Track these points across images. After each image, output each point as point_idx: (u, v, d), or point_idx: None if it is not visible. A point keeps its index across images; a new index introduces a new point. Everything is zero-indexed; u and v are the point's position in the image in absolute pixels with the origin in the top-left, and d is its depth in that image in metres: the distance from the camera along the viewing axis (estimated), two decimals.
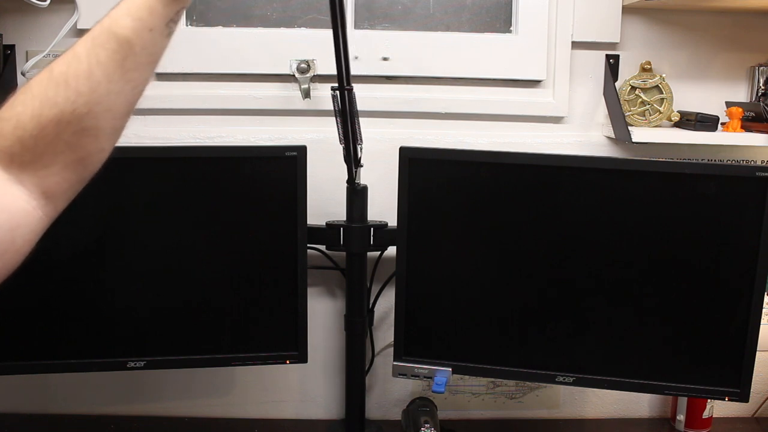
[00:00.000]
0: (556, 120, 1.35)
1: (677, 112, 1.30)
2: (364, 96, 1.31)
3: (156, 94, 1.32)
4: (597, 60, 1.33)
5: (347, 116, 1.11)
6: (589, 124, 1.36)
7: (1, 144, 0.64)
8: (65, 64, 0.65)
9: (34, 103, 0.64)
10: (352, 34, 1.33)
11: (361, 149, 1.18)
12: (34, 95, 0.65)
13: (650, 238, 1.10)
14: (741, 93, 1.36)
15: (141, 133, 1.31)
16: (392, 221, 1.20)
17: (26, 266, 0.93)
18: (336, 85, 1.10)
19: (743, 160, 1.34)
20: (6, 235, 0.63)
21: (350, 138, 1.13)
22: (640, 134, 1.24)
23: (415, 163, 1.13)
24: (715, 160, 1.33)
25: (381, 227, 1.25)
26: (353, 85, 1.12)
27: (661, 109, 1.30)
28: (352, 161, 1.16)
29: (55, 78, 0.65)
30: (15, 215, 0.64)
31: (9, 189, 0.64)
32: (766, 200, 1.05)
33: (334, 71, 1.25)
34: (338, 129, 1.15)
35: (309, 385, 1.39)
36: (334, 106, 1.13)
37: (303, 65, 1.28)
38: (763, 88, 1.32)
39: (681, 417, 1.33)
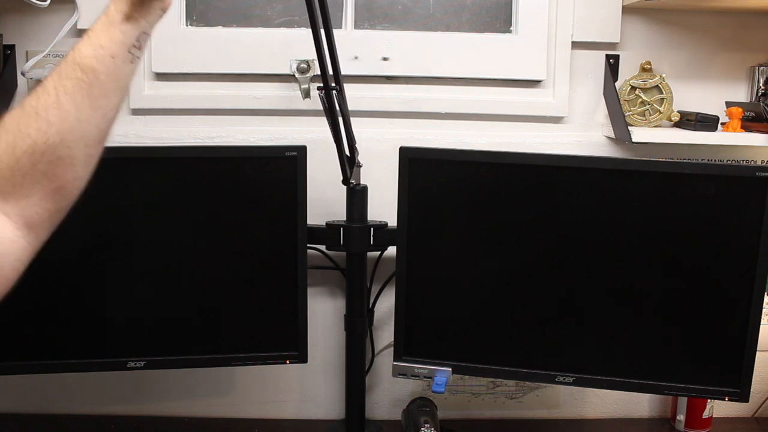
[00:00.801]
0: (556, 120, 1.35)
1: (677, 112, 1.30)
2: (364, 96, 1.31)
3: (156, 94, 1.32)
4: (597, 60, 1.33)
5: (335, 116, 1.11)
6: (589, 124, 1.36)
7: None
8: (35, 98, 0.68)
9: (8, 137, 0.66)
10: (352, 34, 1.33)
11: (356, 149, 1.18)
12: (7, 129, 0.67)
13: (650, 238, 1.10)
14: (741, 93, 1.36)
15: (141, 133, 1.31)
16: (392, 221, 1.20)
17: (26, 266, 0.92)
18: (321, 84, 1.10)
19: (743, 160, 1.34)
20: None
21: (340, 138, 1.13)
22: (640, 134, 1.24)
23: (415, 163, 1.13)
24: (715, 160, 1.33)
25: (381, 227, 1.25)
26: (350, 85, 1.12)
27: (661, 109, 1.30)
28: (345, 162, 1.16)
29: (27, 111, 0.67)
30: (3, 243, 0.67)
31: None
32: (766, 200, 1.05)
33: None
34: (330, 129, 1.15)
35: (309, 385, 1.39)
36: (322, 106, 1.13)
37: (303, 65, 1.28)
38: (763, 88, 1.32)
39: (681, 417, 1.33)
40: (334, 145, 1.18)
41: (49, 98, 0.67)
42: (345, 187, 1.22)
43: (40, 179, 0.68)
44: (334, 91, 1.06)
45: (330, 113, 1.09)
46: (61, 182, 0.70)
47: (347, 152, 1.15)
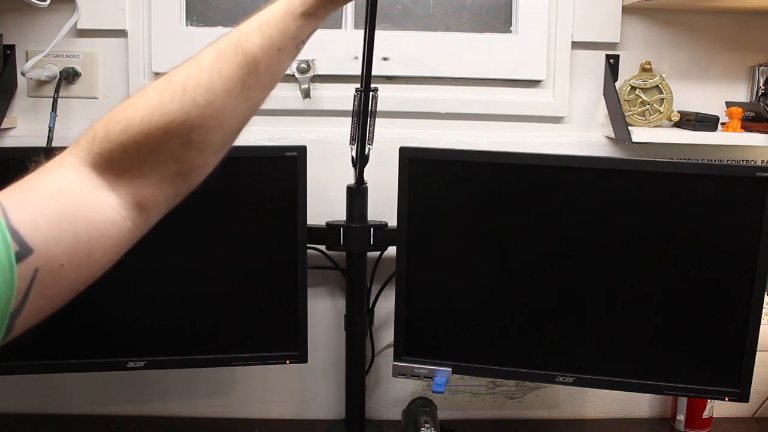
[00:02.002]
0: (556, 120, 1.35)
1: (677, 112, 1.30)
2: None
3: None
4: (597, 60, 1.33)
5: (367, 117, 1.12)
6: (589, 124, 1.36)
7: (104, 147, 0.61)
8: (185, 72, 0.63)
9: (146, 108, 0.61)
10: (352, 34, 1.33)
11: (370, 150, 1.18)
12: (147, 99, 0.61)
13: (650, 238, 1.10)
14: (741, 93, 1.36)
15: None
16: (392, 221, 1.20)
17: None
18: (359, 86, 1.10)
19: (743, 160, 1.34)
20: (83, 247, 0.58)
21: (364, 140, 1.14)
22: (640, 134, 1.24)
23: (415, 163, 1.13)
24: (715, 160, 1.33)
25: (381, 227, 1.25)
26: (350, 85, 1.12)
27: (661, 109, 1.30)
28: (363, 162, 1.16)
29: (173, 85, 0.62)
30: (99, 226, 0.60)
31: (98, 196, 0.60)
32: (766, 200, 1.05)
33: (334, 71, 1.25)
34: (352, 129, 1.15)
35: (309, 385, 1.39)
36: (353, 107, 1.14)
37: (303, 65, 1.28)
38: (763, 88, 1.32)
39: (681, 417, 1.33)
40: (335, 145, 1.18)
41: (201, 77, 0.62)
42: (345, 187, 1.22)
43: (166, 159, 0.62)
44: (371, 93, 1.07)
45: (363, 115, 1.10)
46: (187, 167, 0.64)
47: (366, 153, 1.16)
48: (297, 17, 0.65)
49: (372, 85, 1.09)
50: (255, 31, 0.64)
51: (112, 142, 0.60)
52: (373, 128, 1.16)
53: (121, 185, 0.61)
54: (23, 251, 0.53)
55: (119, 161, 0.61)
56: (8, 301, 0.53)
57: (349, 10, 1.33)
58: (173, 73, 0.63)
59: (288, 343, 1.20)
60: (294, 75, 1.28)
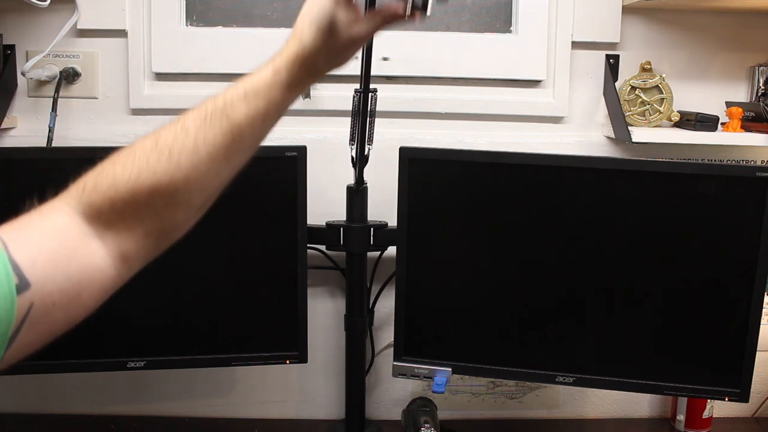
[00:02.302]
0: (556, 120, 1.35)
1: (677, 112, 1.30)
2: None
3: (156, 94, 1.32)
4: (597, 60, 1.33)
5: (367, 117, 1.12)
6: (589, 124, 1.36)
7: (93, 199, 0.64)
8: (172, 135, 0.65)
9: (133, 168, 0.64)
10: None
11: (369, 150, 1.18)
12: (135, 158, 0.65)
13: (650, 238, 1.10)
14: (741, 93, 1.36)
15: (141, 133, 1.30)
16: (392, 221, 1.20)
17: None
18: (358, 86, 1.10)
19: (743, 160, 1.33)
20: (73, 289, 0.62)
21: (364, 140, 1.14)
22: (640, 134, 1.24)
23: (415, 163, 1.13)
24: (715, 160, 1.33)
25: (381, 227, 1.25)
26: (350, 85, 1.12)
27: (661, 109, 1.30)
28: (363, 162, 1.16)
29: (160, 146, 0.65)
30: (88, 270, 0.63)
31: (88, 243, 0.64)
32: (766, 200, 1.05)
33: (333, 71, 1.25)
34: (352, 129, 1.15)
35: (309, 385, 1.39)
36: (352, 107, 1.13)
37: None
38: (763, 88, 1.32)
39: (681, 417, 1.33)
40: (335, 145, 1.18)
41: (186, 141, 0.65)
42: (345, 187, 1.22)
43: (150, 216, 0.66)
44: (370, 94, 1.07)
45: (362, 115, 1.10)
46: (169, 224, 0.68)
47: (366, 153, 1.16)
48: (283, 89, 0.67)
49: (372, 86, 1.08)
50: (241, 100, 0.66)
51: (100, 195, 0.64)
52: (373, 128, 1.16)
53: (108, 236, 0.65)
54: (22, 284, 0.56)
55: (107, 214, 0.64)
56: (7, 328, 0.55)
57: None
58: (161, 134, 0.66)
59: (288, 343, 1.20)
60: None
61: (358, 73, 1.30)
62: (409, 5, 0.67)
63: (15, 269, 0.56)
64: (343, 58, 0.71)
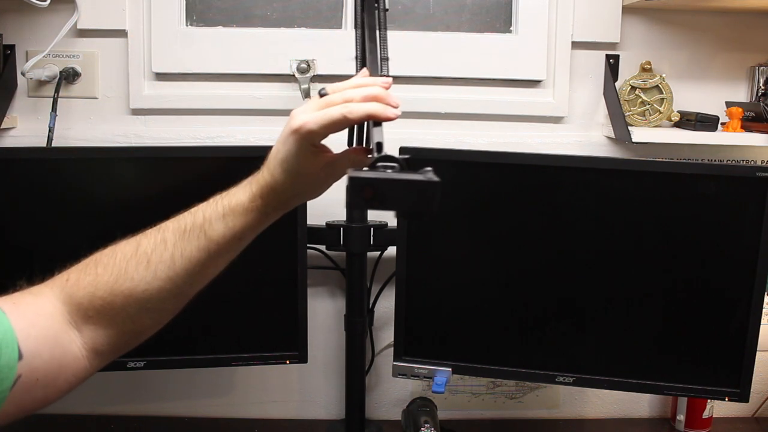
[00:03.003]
0: (556, 120, 1.35)
1: (677, 112, 1.30)
2: None
3: (156, 94, 1.32)
4: (597, 60, 1.33)
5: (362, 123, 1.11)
6: (589, 124, 1.36)
7: (74, 293, 0.68)
8: (152, 245, 0.69)
9: (113, 271, 0.68)
10: (352, 34, 1.33)
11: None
12: (116, 262, 0.69)
13: (650, 238, 1.10)
14: (741, 93, 1.36)
15: (141, 133, 1.31)
16: (392, 221, 1.20)
17: (26, 266, 0.93)
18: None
19: (743, 160, 1.33)
20: (54, 370, 0.66)
21: (360, 144, 1.13)
22: (640, 134, 1.24)
23: (415, 163, 1.13)
24: (715, 160, 1.33)
25: (381, 227, 1.25)
26: None
27: (661, 109, 1.30)
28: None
29: (139, 255, 0.68)
30: (67, 355, 0.68)
31: (69, 331, 0.68)
32: (766, 200, 1.05)
33: (334, 71, 1.25)
34: (349, 137, 1.15)
35: (309, 385, 1.39)
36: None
37: (303, 65, 1.28)
38: (763, 88, 1.32)
39: (681, 417, 1.33)
40: (335, 145, 1.16)
41: (164, 253, 0.68)
42: (345, 187, 1.21)
43: (125, 320, 0.69)
44: None
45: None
46: (141, 327, 0.71)
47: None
48: (259, 214, 0.69)
49: None
50: (219, 220, 0.69)
51: (81, 291, 0.68)
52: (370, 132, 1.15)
53: (85, 329, 0.69)
54: (18, 354, 0.60)
55: (86, 309, 0.68)
56: (6, 386, 0.59)
57: (348, 10, 1.33)
58: (141, 241, 0.69)
59: (288, 343, 1.20)
60: (294, 75, 1.28)
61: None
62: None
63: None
64: (314, 194, 0.73)
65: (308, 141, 0.66)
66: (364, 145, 0.80)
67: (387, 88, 0.68)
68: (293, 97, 1.31)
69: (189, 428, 1.35)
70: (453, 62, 1.33)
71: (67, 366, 0.68)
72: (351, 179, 0.53)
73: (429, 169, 0.54)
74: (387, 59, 1.27)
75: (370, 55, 0.76)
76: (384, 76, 0.74)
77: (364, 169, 0.56)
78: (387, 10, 0.91)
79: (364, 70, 0.73)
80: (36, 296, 0.69)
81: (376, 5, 0.89)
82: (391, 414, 1.40)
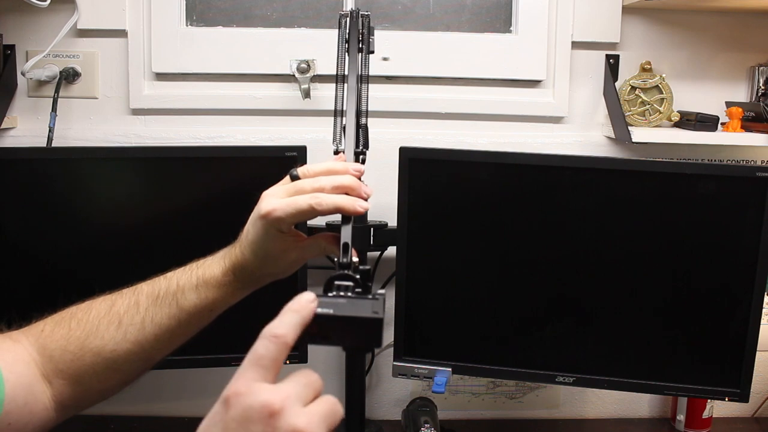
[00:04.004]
0: (556, 120, 1.35)
1: (677, 112, 1.30)
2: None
3: (156, 94, 1.32)
4: (597, 60, 1.33)
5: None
6: (589, 124, 1.36)
7: (48, 344, 0.69)
8: (125, 306, 0.69)
9: (85, 328, 0.69)
10: None
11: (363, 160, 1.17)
12: (89, 320, 0.69)
13: (650, 238, 1.10)
14: (741, 93, 1.36)
15: (141, 133, 1.31)
16: (392, 221, 1.20)
17: (25, 266, 0.93)
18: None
19: (743, 160, 1.34)
20: (26, 417, 0.66)
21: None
22: (640, 134, 1.24)
23: (415, 163, 1.13)
24: (715, 160, 1.33)
25: (381, 227, 1.25)
26: None
27: (661, 109, 1.30)
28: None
29: (112, 314, 0.69)
30: (38, 404, 0.68)
31: (41, 381, 0.69)
32: (766, 200, 1.05)
33: (333, 71, 1.25)
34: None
35: None
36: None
37: (303, 65, 1.28)
38: (763, 88, 1.32)
39: (681, 417, 1.33)
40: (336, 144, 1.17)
41: (136, 316, 0.69)
42: None
43: (92, 377, 0.70)
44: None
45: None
46: (107, 386, 0.72)
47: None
48: (232, 287, 0.70)
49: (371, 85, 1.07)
50: (192, 290, 0.69)
51: (53, 343, 0.69)
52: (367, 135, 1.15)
53: (54, 381, 0.70)
54: (3, 395, 0.62)
55: (56, 362, 0.69)
56: None
57: (349, 9, 1.33)
58: (116, 301, 0.70)
59: None
60: (294, 75, 1.28)
61: (358, 73, 1.30)
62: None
63: None
64: (285, 274, 0.73)
65: (275, 227, 0.66)
66: (363, 146, 0.79)
67: (359, 177, 0.67)
68: (293, 97, 1.31)
69: (189, 428, 1.33)
70: (453, 62, 1.33)
71: (37, 415, 0.68)
72: None
73: (382, 292, 0.54)
74: (387, 59, 1.26)
75: (348, 123, 0.75)
76: (360, 152, 0.73)
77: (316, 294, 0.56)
78: (372, 52, 0.90)
79: (341, 154, 0.72)
80: (14, 342, 0.69)
81: (360, 47, 0.88)
82: (391, 414, 1.39)
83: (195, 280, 0.69)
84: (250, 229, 0.69)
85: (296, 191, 0.65)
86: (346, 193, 0.64)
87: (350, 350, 0.58)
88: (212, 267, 0.70)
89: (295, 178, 0.67)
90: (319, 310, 0.55)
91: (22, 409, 0.66)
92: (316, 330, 0.55)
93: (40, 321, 0.72)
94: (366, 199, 0.66)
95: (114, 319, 0.69)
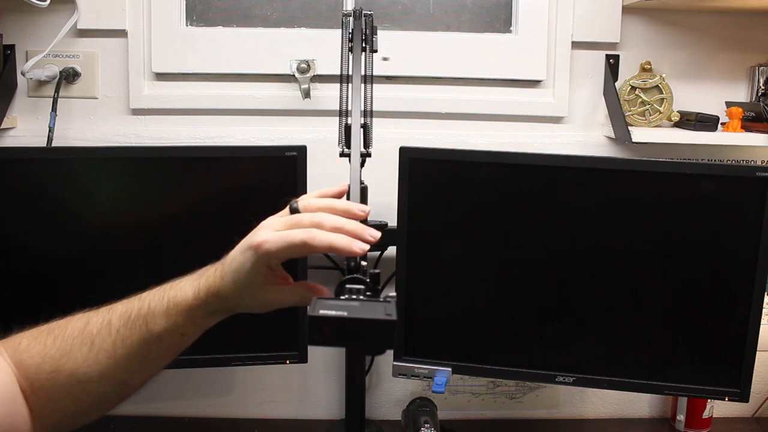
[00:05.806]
0: (556, 120, 1.35)
1: (677, 112, 1.30)
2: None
3: (156, 94, 1.32)
4: (597, 60, 1.33)
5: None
6: (589, 124, 1.36)
7: (26, 360, 0.68)
8: (98, 325, 0.68)
9: (60, 347, 0.67)
10: None
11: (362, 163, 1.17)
12: (64, 338, 0.68)
13: (650, 238, 1.10)
14: (741, 93, 1.36)
15: (141, 133, 1.31)
16: (392, 221, 1.20)
17: (24, 266, 0.92)
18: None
19: (743, 160, 1.34)
20: (6, 427, 0.65)
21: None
22: (640, 134, 1.24)
23: (415, 163, 1.13)
24: (715, 160, 1.33)
25: (381, 227, 1.25)
26: (350, 85, 1.12)
27: (661, 109, 1.30)
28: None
29: (85, 334, 0.68)
30: (19, 417, 0.67)
31: (21, 401, 0.68)
32: (766, 200, 1.05)
33: (334, 71, 1.25)
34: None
35: (309, 385, 1.39)
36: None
37: (303, 65, 1.28)
38: (763, 88, 1.32)
39: (681, 417, 1.33)
40: (335, 145, 1.16)
41: (107, 338, 0.67)
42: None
43: (66, 398, 0.68)
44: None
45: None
46: (82, 409, 0.70)
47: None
48: (203, 312, 0.67)
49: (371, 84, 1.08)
50: (162, 314, 0.67)
51: (29, 358, 0.68)
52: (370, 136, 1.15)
53: (31, 397, 0.68)
54: None
55: (32, 379, 0.68)
56: None
57: (351, 9, 1.33)
58: (91, 319, 0.69)
59: (288, 342, 1.20)
60: (294, 75, 1.28)
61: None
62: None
63: None
64: (257, 310, 0.69)
65: (264, 261, 0.63)
66: (363, 148, 0.79)
67: (364, 218, 0.65)
68: (293, 97, 1.31)
69: (189, 428, 1.35)
70: (453, 62, 1.33)
71: (18, 428, 0.67)
72: (311, 318, 0.54)
73: (393, 294, 0.54)
74: (387, 59, 1.26)
75: (354, 124, 0.73)
76: (366, 154, 0.71)
77: (327, 301, 0.56)
78: (376, 51, 0.89)
79: (345, 184, 0.70)
80: None
81: (363, 47, 0.87)
82: (391, 414, 1.39)
83: (166, 303, 0.67)
84: (237, 256, 0.65)
85: (293, 225, 0.63)
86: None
87: (363, 352, 0.58)
88: (185, 288, 0.67)
89: (294, 211, 0.65)
90: (333, 313, 0.54)
91: (4, 420, 0.64)
92: (330, 333, 0.53)
93: (19, 333, 0.70)
94: (372, 243, 0.64)
95: (87, 340, 0.67)
